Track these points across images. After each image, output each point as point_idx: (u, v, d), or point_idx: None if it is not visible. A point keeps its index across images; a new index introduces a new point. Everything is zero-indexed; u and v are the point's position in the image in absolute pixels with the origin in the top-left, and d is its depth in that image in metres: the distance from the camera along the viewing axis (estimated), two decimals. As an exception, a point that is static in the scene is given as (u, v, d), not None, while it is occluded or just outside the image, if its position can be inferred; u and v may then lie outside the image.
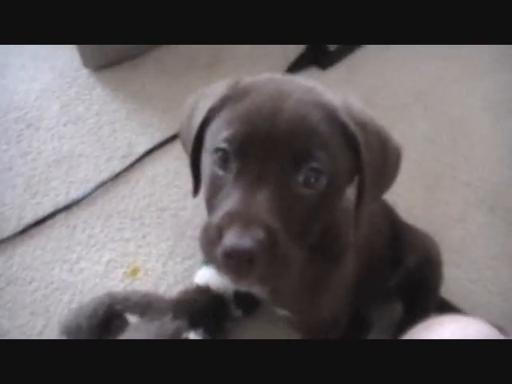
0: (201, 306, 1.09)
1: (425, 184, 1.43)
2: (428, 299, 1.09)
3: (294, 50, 1.67)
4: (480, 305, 1.21)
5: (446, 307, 1.12)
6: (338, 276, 0.82)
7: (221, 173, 0.63)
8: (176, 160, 1.42)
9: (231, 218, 0.58)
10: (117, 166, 1.40)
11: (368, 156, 0.65)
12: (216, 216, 0.60)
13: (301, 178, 0.61)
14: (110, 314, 1.09)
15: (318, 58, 1.67)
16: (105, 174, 1.38)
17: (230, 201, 0.60)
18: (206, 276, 1.15)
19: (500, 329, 0.96)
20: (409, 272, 1.05)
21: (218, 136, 0.64)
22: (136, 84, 1.58)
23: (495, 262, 1.30)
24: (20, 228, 1.27)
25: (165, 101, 1.53)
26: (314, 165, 0.61)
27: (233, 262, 0.56)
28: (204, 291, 1.12)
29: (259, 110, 0.62)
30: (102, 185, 1.36)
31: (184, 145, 0.79)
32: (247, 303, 1.16)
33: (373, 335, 1.14)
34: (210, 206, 0.65)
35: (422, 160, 1.46)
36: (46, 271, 1.22)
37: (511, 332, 1.04)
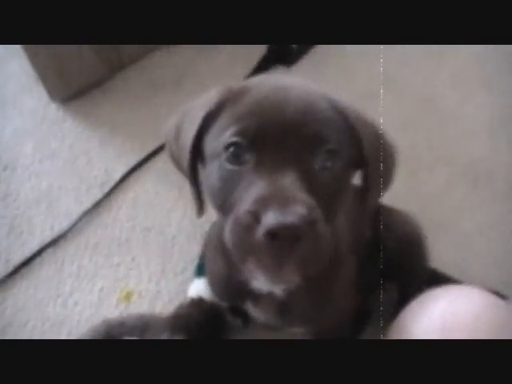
0: (197, 319, 1.08)
1: (404, 169, 1.40)
2: (417, 274, 1.08)
3: (255, 58, 1.66)
4: (476, 274, 1.20)
5: (440, 280, 1.11)
6: (343, 281, 0.82)
7: (235, 168, 0.62)
8: (154, 179, 1.42)
9: (266, 200, 0.56)
10: (97, 194, 1.40)
11: (368, 147, 0.67)
12: (244, 205, 0.58)
13: (318, 161, 0.62)
14: (108, 340, 1.09)
15: (281, 56, 1.67)
16: (86, 204, 1.38)
17: (256, 188, 0.59)
18: (199, 288, 1.15)
19: (497, 294, 0.97)
20: (391, 250, 1.04)
21: (224, 134, 0.63)
22: (105, 110, 1.58)
23: (485, 229, 1.30)
24: (9, 270, 1.26)
25: (135, 123, 1.53)
26: (330, 146, 0.62)
27: (276, 243, 0.54)
28: (198, 304, 1.11)
29: (267, 101, 0.63)
30: (85, 215, 1.36)
31: (178, 166, 0.76)
32: (243, 312, 1.16)
33: (373, 323, 1.13)
34: (227, 205, 0.63)
35: (398, 146, 1.45)
36: (40, 309, 1.21)
37: (509, 296, 1.04)
